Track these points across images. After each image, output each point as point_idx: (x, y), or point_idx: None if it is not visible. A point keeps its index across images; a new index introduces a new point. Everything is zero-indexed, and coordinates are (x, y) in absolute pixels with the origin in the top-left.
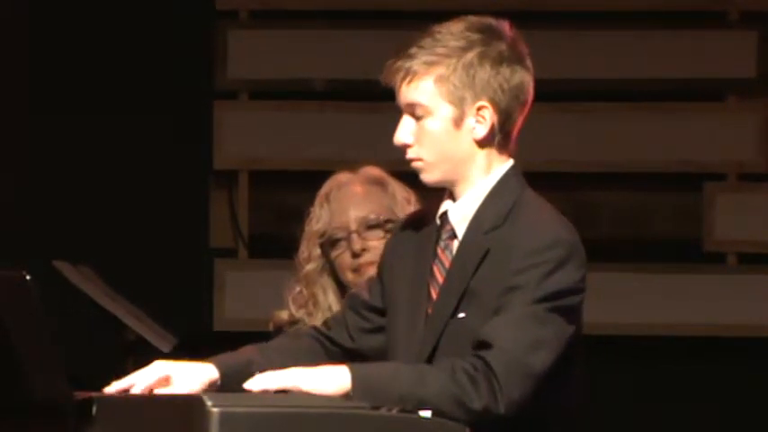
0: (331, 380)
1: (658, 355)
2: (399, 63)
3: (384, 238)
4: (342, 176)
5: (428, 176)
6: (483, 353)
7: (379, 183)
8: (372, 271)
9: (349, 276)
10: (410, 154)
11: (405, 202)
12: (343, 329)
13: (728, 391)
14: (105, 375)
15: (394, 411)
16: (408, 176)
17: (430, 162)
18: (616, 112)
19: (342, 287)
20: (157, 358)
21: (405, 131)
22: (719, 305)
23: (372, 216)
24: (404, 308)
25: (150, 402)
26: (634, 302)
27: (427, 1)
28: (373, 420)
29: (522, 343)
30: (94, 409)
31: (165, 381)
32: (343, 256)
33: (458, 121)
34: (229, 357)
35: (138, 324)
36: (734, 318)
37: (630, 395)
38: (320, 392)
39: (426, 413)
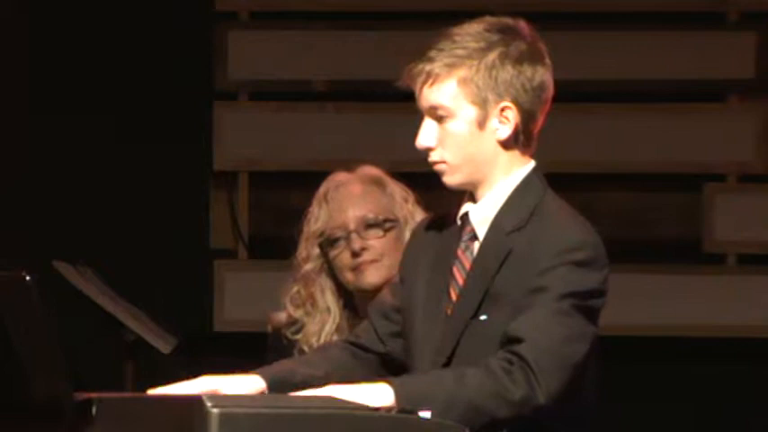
0: (375, 396)
1: (658, 356)
2: (420, 66)
3: (383, 237)
4: (340, 176)
5: (451, 179)
6: (514, 347)
7: (377, 182)
8: (371, 270)
9: (348, 276)
10: (433, 157)
11: (403, 202)
12: (373, 335)
13: (728, 391)
14: (105, 375)
15: (393, 412)
16: (407, 176)
17: (453, 164)
18: (616, 112)
19: (340, 287)
20: (157, 359)
21: (427, 134)
22: (719, 306)
23: (371, 215)
24: (422, 309)
25: (150, 403)
26: (634, 303)
27: (427, 2)
28: (373, 420)
29: (553, 335)
30: (94, 409)
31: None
32: (341, 256)
33: (481, 123)
34: (273, 368)
35: (138, 325)
36: (734, 318)
37: (630, 395)
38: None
39: (426, 413)
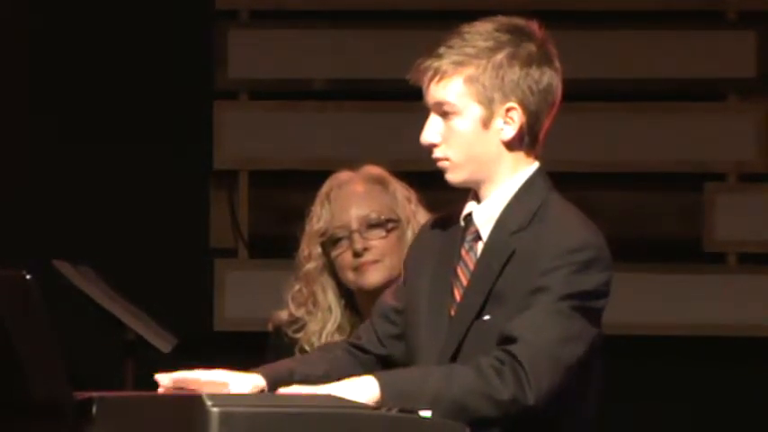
0: (360, 390)
1: (658, 356)
2: (428, 62)
3: (385, 237)
4: (343, 175)
5: (454, 176)
6: (508, 347)
7: (379, 182)
8: (372, 271)
9: (349, 276)
10: (436, 153)
11: (406, 202)
12: (374, 337)
13: (729, 391)
14: (105, 375)
15: (394, 411)
16: (407, 175)
17: (456, 162)
18: (616, 112)
19: (341, 286)
20: (157, 359)
21: (432, 131)
22: (719, 305)
23: (374, 215)
24: (426, 309)
25: (150, 402)
26: (634, 302)
27: (428, 1)
28: (373, 420)
29: (548, 336)
30: (94, 409)
31: (222, 385)
32: (344, 256)
33: (486, 122)
34: (272, 367)
35: (138, 324)
36: (734, 318)
37: (630, 395)
38: None
39: (426, 413)
